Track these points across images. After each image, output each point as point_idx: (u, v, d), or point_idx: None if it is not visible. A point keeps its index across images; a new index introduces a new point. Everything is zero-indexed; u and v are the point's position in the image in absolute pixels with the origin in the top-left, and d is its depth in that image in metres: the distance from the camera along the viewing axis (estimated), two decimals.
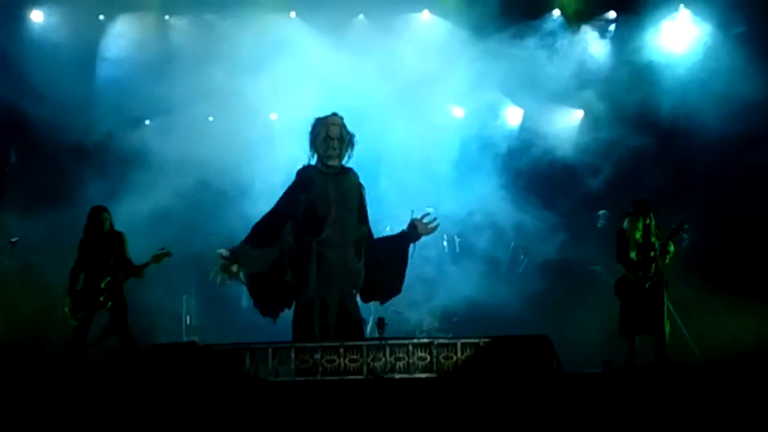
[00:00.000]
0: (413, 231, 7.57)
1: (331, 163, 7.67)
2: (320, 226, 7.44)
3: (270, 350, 6.86)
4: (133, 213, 9.83)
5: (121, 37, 11.60)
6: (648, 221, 9.03)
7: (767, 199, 11.09)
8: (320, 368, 6.81)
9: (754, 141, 11.03)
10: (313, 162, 7.62)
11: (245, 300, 10.46)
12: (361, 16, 11.90)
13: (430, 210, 8.17)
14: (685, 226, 8.96)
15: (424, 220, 7.60)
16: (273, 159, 10.41)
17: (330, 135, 7.60)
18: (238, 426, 6.04)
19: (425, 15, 12.03)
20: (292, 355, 6.83)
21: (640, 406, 6.48)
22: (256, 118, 11.10)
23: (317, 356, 6.88)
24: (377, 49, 11.37)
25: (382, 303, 7.96)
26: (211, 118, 11.42)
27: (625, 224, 9.18)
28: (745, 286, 10.32)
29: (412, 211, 7.62)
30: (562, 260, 11.11)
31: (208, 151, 10.40)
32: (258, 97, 10.91)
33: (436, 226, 7.66)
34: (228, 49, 11.12)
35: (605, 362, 8.71)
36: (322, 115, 7.61)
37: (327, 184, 7.53)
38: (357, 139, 7.58)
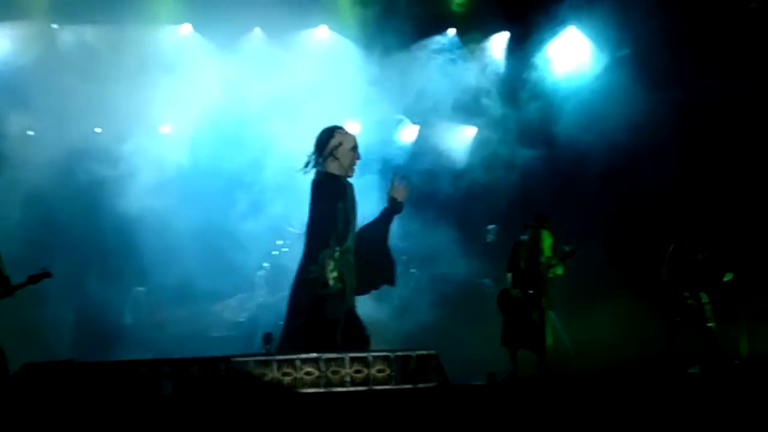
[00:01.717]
0: (393, 202, 7.54)
1: (351, 173, 7.74)
2: (346, 235, 7.46)
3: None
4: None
5: (4, 44, 11.16)
6: (545, 237, 9.27)
7: (647, 213, 11.51)
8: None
9: (637, 157, 11.48)
10: (321, 169, 7.52)
11: (128, 317, 10.30)
12: (257, 29, 11.81)
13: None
14: (576, 253, 9.24)
15: (396, 184, 7.55)
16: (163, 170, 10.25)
17: (356, 146, 7.61)
18: None
19: (323, 31, 12.03)
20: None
21: (522, 417, 6.60)
22: (144, 130, 10.85)
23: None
24: (272, 64, 11.31)
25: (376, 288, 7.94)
26: (98, 129, 11.13)
27: (523, 236, 9.39)
28: (629, 297, 10.69)
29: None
30: (451, 273, 11.23)
31: (91, 164, 10.15)
32: (148, 109, 10.70)
33: (410, 187, 7.71)
34: (118, 59, 10.86)
35: (489, 374, 8.89)
36: (331, 125, 7.68)
37: (352, 192, 7.56)
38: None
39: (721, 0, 11.33)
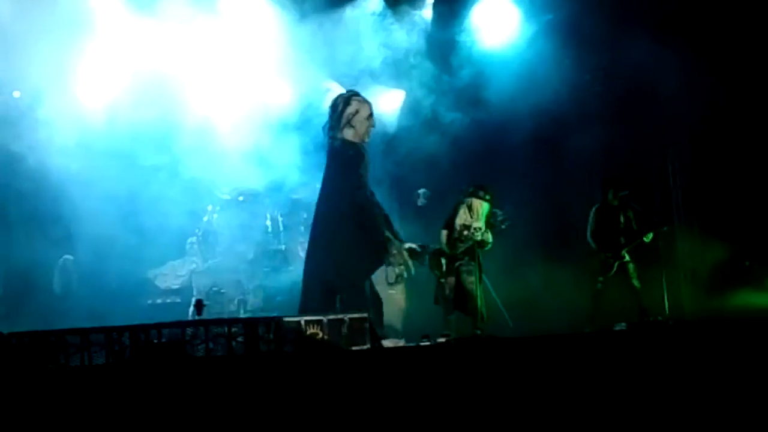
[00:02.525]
0: None
1: (366, 141, 7.67)
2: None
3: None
4: None
5: None
6: (481, 207, 9.37)
7: (575, 177, 11.77)
8: None
9: (563, 125, 11.67)
10: (338, 136, 7.64)
11: (57, 286, 10.05)
12: None
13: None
14: (507, 222, 9.37)
15: None
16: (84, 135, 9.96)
17: (372, 113, 7.50)
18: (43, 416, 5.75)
19: None
20: None
21: (455, 380, 6.71)
22: (62, 92, 10.41)
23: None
24: (193, 24, 11.05)
25: None
26: (17, 94, 10.72)
27: (463, 199, 9.47)
28: (558, 261, 10.93)
29: None
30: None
31: (11, 129, 9.79)
32: (67, 71, 10.35)
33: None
34: (35, 20, 10.43)
35: (423, 336, 9.01)
36: (349, 91, 7.76)
37: (368, 160, 7.73)
38: None
39: None
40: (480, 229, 9.21)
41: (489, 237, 9.30)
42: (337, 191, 7.70)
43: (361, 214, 7.70)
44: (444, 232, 9.35)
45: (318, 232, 7.96)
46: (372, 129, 7.74)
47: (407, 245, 8.25)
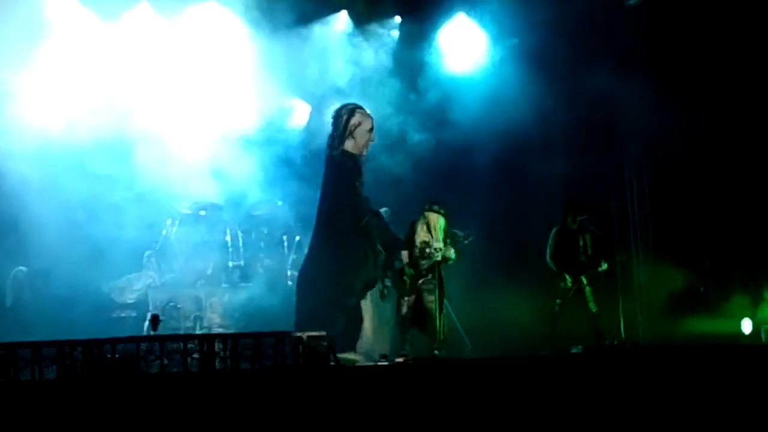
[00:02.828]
0: None
1: (365, 154, 7.90)
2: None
3: None
4: None
5: None
6: (437, 222, 9.36)
7: (536, 200, 11.84)
8: None
9: (526, 149, 11.77)
10: (337, 145, 7.91)
11: (9, 299, 9.82)
12: (144, 3, 11.39)
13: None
14: (471, 239, 9.38)
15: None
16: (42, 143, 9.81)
17: (373, 127, 7.66)
18: None
19: (212, 5, 11.71)
20: None
21: (414, 399, 6.69)
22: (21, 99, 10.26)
23: None
24: (158, 37, 10.99)
25: None
26: None
27: (419, 217, 9.46)
28: (520, 282, 10.97)
29: None
30: None
31: None
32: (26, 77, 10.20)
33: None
34: None
35: (382, 356, 8.97)
36: (349, 102, 7.82)
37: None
38: None
39: None
40: (440, 248, 9.20)
41: (451, 253, 9.27)
42: (337, 203, 7.83)
43: (360, 226, 7.82)
44: (405, 252, 9.33)
45: (318, 244, 8.00)
46: (371, 143, 7.92)
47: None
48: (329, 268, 7.95)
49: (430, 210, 9.31)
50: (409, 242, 9.35)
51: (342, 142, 7.87)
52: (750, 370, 6.81)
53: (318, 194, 10.94)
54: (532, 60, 11.71)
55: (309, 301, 8.02)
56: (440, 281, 9.10)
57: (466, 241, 9.42)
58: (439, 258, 9.18)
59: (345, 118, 7.92)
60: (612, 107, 11.56)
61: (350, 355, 7.99)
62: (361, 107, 8.09)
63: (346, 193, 7.78)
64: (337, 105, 12.10)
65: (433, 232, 9.25)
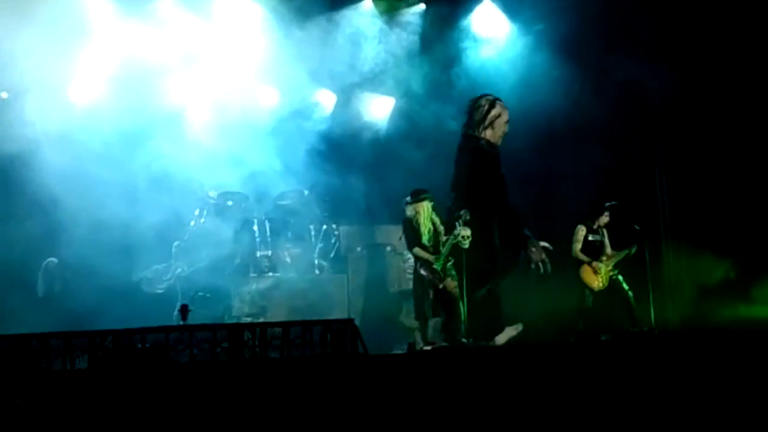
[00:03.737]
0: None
1: (494, 140, 8.49)
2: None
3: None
4: None
5: None
6: (427, 209, 9.28)
7: (564, 191, 11.71)
8: None
9: (554, 137, 11.65)
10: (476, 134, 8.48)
11: (41, 289, 9.93)
12: None
13: None
14: (467, 218, 9.27)
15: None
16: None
17: (508, 120, 8.20)
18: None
19: None
20: None
21: (443, 386, 6.70)
22: (50, 94, 10.33)
23: None
24: (183, 29, 11.03)
25: None
26: (4, 95, 10.63)
27: (409, 213, 9.39)
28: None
29: None
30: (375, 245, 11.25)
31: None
32: (56, 73, 10.27)
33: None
34: (27, 20, 10.36)
35: (409, 344, 8.97)
36: (489, 94, 8.67)
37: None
38: None
39: None
40: (458, 233, 9.03)
41: (467, 231, 9.08)
42: (478, 189, 8.19)
43: (502, 210, 8.45)
44: (417, 251, 9.23)
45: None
46: (505, 135, 8.35)
47: (542, 243, 8.86)
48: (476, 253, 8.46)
49: (419, 200, 9.23)
50: (413, 240, 9.21)
51: (482, 131, 8.38)
52: None
53: (346, 181, 11.09)
54: (559, 46, 11.59)
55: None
56: (461, 266, 9.02)
57: (465, 221, 9.32)
58: (462, 241, 9.03)
59: (486, 108, 8.51)
60: (638, 94, 11.42)
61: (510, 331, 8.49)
62: (499, 99, 8.55)
63: (491, 179, 8.29)
64: (362, 92, 12.27)
65: (430, 221, 9.17)
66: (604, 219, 10.03)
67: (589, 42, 11.52)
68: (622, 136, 11.49)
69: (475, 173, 8.71)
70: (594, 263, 9.78)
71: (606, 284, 9.80)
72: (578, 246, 9.90)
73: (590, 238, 9.94)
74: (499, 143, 8.70)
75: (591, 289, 9.77)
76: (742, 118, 10.63)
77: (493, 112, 8.64)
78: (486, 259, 8.67)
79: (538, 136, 11.47)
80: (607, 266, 9.82)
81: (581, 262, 9.85)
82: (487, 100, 8.82)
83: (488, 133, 8.71)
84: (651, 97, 11.64)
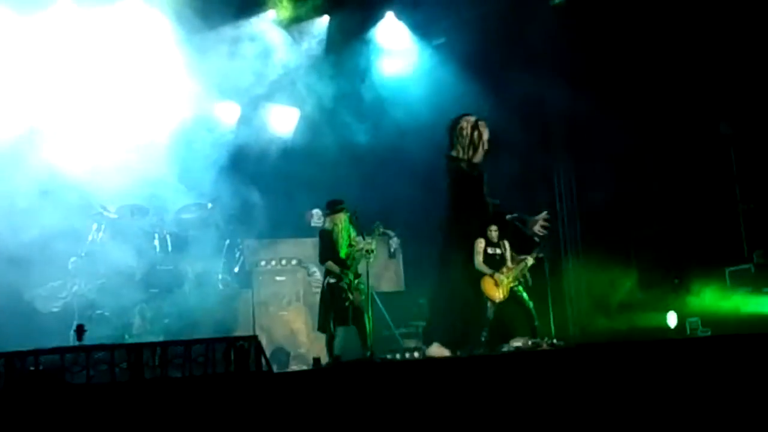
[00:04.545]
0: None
1: (476, 161, 8.75)
2: None
3: None
4: None
5: None
6: (344, 221, 9.31)
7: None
8: None
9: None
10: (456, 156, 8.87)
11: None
12: None
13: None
14: (381, 229, 9.33)
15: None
16: None
17: (489, 137, 8.26)
18: None
19: (136, 3, 11.42)
20: None
21: (352, 400, 6.66)
22: None
23: None
24: (81, 35, 10.69)
25: None
26: None
27: (326, 224, 9.38)
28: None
29: None
30: (279, 258, 11.12)
31: None
32: None
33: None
34: None
35: (315, 359, 8.92)
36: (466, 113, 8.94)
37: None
38: None
39: None
40: (366, 247, 9.08)
41: (373, 245, 9.17)
42: (465, 211, 8.37)
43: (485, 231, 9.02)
44: (329, 264, 9.23)
45: (451, 251, 8.53)
46: (487, 153, 8.59)
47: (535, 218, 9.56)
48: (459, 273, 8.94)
49: (336, 211, 9.28)
50: (333, 250, 9.22)
51: (466, 152, 8.57)
52: (673, 365, 6.97)
53: (250, 194, 10.95)
54: (462, 61, 11.78)
55: (446, 312, 9.14)
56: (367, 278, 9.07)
57: (378, 234, 9.40)
58: (365, 255, 9.11)
59: (469, 130, 8.64)
60: (537, 108, 11.69)
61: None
62: (481, 119, 8.73)
63: (476, 201, 8.52)
64: (267, 104, 12.16)
65: (350, 231, 9.22)
66: (497, 233, 10.08)
67: (490, 56, 11.73)
68: (524, 147, 11.72)
69: (456, 195, 9.02)
70: (496, 275, 9.90)
71: (507, 296, 9.92)
72: (479, 258, 10.00)
73: (489, 251, 10.03)
74: (481, 161, 8.95)
75: (492, 301, 9.90)
76: (643, 127, 10.97)
77: (476, 134, 8.92)
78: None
79: (441, 147, 11.59)
80: (508, 278, 9.94)
81: (483, 274, 9.96)
82: (468, 121, 9.11)
83: (471, 154, 9.00)
84: (552, 110, 11.92)
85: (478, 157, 9.15)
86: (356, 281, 9.26)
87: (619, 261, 11.35)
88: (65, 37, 10.65)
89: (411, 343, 10.84)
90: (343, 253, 9.22)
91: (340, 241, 9.25)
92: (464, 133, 8.93)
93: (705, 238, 10.66)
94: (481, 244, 10.02)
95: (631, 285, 11.36)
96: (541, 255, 10.02)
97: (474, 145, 8.99)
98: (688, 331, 10.17)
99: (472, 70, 11.69)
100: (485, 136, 9.04)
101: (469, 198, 9.00)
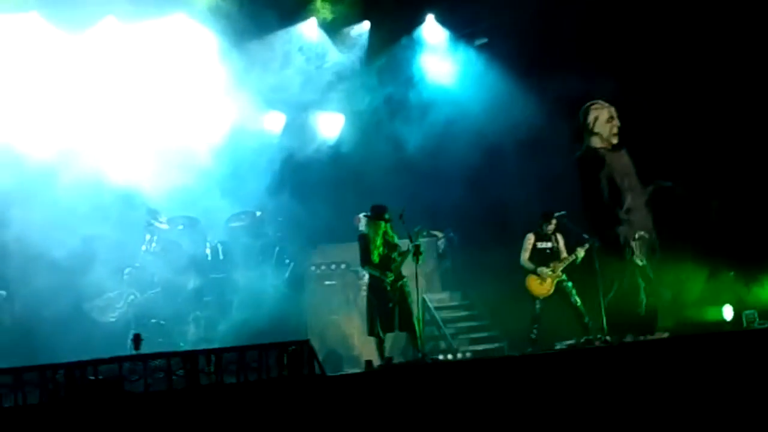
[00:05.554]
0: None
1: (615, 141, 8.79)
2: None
3: None
4: None
5: None
6: (386, 225, 9.34)
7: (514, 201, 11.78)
8: None
9: (499, 150, 11.74)
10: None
11: (7, 318, 9.68)
12: (110, 16, 11.28)
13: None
14: (424, 232, 9.34)
15: None
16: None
17: (612, 116, 8.34)
18: None
19: (181, 18, 11.62)
20: None
21: (404, 401, 6.69)
22: None
23: None
24: (127, 51, 10.90)
25: None
26: None
27: (365, 228, 9.43)
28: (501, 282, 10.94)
29: None
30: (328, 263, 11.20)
31: None
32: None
33: None
34: None
35: (367, 362, 8.96)
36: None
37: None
38: None
39: None
40: (413, 251, 9.09)
41: (413, 248, 9.16)
42: (589, 194, 8.49)
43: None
44: (367, 267, 9.29)
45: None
46: (618, 128, 8.55)
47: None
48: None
49: (377, 216, 9.31)
50: (366, 256, 9.26)
51: (588, 139, 8.75)
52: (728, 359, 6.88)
53: (298, 201, 11.07)
54: (502, 63, 11.73)
55: None
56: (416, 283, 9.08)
57: (422, 236, 9.40)
58: (413, 258, 9.11)
59: (581, 117, 8.84)
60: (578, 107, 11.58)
61: None
62: (596, 102, 8.72)
63: (594, 185, 8.57)
64: (312, 111, 12.29)
65: (384, 237, 9.24)
66: (551, 227, 10.07)
67: (533, 54, 11.63)
68: (567, 147, 11.60)
69: (584, 181, 9.16)
70: (540, 269, 9.87)
71: (552, 290, 9.89)
72: (526, 255, 9.99)
73: (540, 245, 10.02)
74: (614, 142, 8.73)
75: (538, 298, 9.89)
76: (685, 124, 10.77)
77: (590, 118, 8.90)
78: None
79: (488, 148, 11.57)
80: (554, 272, 9.91)
81: (528, 272, 9.95)
82: (583, 108, 9.20)
83: (594, 140, 9.05)
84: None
85: (603, 140, 9.18)
86: (399, 283, 9.27)
87: (679, 256, 11.12)
88: (113, 53, 10.86)
89: (462, 344, 10.84)
90: (375, 256, 9.24)
91: (376, 243, 9.27)
92: (579, 120, 8.96)
93: (763, 231, 10.45)
94: (530, 239, 10.01)
95: (688, 279, 11.14)
96: (593, 243, 9.91)
97: (591, 130, 8.98)
98: (745, 324, 9.99)
99: (516, 70, 11.62)
100: (603, 116, 9.06)
101: (592, 182, 8.99)
